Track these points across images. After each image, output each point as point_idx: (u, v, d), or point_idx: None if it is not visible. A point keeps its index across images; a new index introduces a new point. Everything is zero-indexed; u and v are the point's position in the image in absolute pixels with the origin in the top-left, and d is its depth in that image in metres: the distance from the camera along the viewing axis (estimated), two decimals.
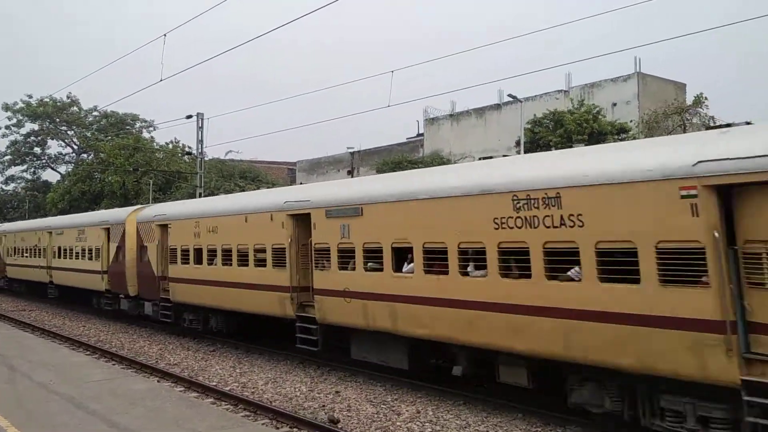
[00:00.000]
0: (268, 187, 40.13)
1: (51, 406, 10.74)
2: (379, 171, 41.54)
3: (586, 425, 10.03)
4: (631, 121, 38.25)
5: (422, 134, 58.80)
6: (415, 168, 26.64)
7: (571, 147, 24.42)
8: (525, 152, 33.82)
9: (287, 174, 71.78)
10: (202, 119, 36.91)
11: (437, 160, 45.93)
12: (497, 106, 50.66)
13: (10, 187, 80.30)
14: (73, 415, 10.08)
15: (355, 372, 14.39)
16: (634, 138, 32.50)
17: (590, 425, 9.97)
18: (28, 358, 15.37)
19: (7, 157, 75.44)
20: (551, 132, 36.41)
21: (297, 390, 13.29)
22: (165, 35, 23.72)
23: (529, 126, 38.11)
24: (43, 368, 14.12)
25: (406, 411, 11.43)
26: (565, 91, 45.94)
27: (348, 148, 59.91)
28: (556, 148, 29.45)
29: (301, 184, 42.96)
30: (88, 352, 18.33)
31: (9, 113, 71.14)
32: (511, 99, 40.61)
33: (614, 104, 42.78)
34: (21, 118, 72.27)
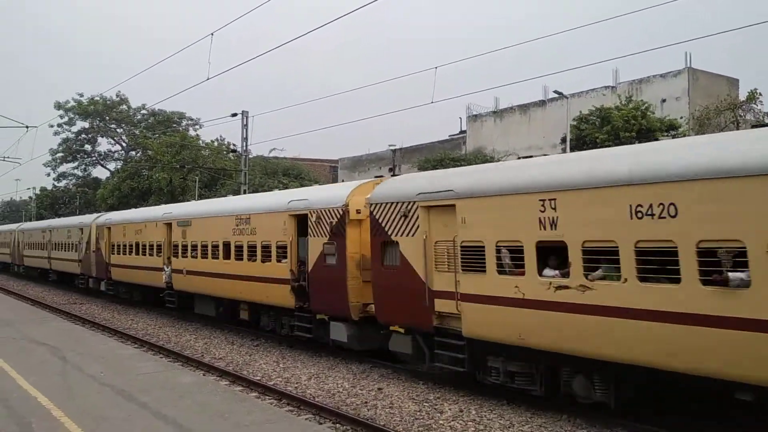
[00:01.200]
0: (310, 185, 40.48)
1: (101, 398, 11.01)
2: (421, 168, 41.47)
3: (631, 427, 9.84)
4: (681, 118, 37.33)
5: (465, 131, 58.47)
6: (457, 165, 26.22)
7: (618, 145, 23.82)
8: (570, 150, 33.32)
9: (329, 171, 72.27)
10: (247, 117, 37.43)
11: (480, 157, 45.63)
12: (542, 103, 50.04)
13: (62, 183, 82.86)
14: (122, 408, 10.32)
15: (398, 370, 14.38)
16: (684, 135, 31.78)
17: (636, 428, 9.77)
18: (79, 351, 15.80)
19: (59, 155, 77.84)
20: (598, 129, 35.78)
21: (339, 386, 13.35)
22: (212, 34, 24.13)
23: (575, 123, 37.53)
24: (94, 360, 14.50)
25: (449, 410, 11.37)
26: (612, 87, 45.08)
27: (390, 145, 59.95)
28: (603, 146, 28.94)
29: (343, 181, 43.05)
30: (136, 345, 18.74)
31: (61, 111, 73.41)
32: (556, 95, 40.07)
33: (663, 100, 41.77)
34: (72, 116, 74.47)
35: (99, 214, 35.46)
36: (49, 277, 42.29)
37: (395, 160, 60.20)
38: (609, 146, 24.78)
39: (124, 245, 27.97)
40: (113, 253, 29.23)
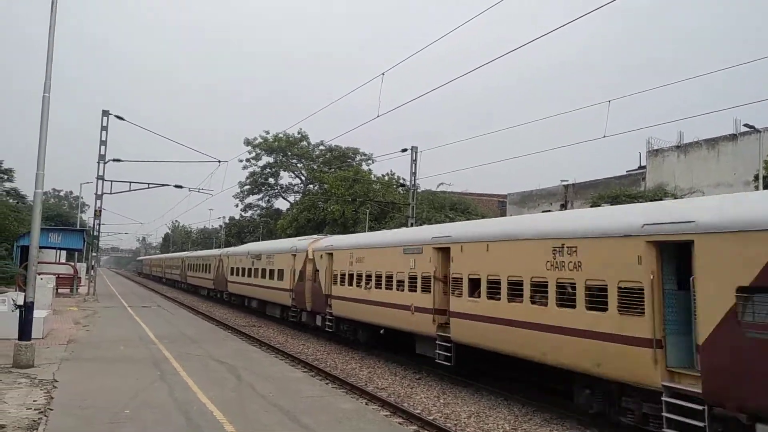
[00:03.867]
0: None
1: (269, 416, 11.55)
2: (594, 205, 39.72)
3: None
4: None
5: (644, 167, 55.38)
6: (633, 203, 24.48)
7: None
8: (764, 187, 30.27)
9: (497, 206, 71.58)
10: (416, 152, 38.28)
11: (660, 194, 42.82)
12: (732, 137, 46.13)
13: (248, 213, 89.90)
14: (286, 427, 10.74)
15: (563, 414, 13.65)
16: None
17: None
18: (253, 371, 16.78)
19: (247, 187, 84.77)
20: None
21: (500, 427, 12.92)
22: (383, 74, 25.06)
23: None
24: (265, 381, 15.30)
25: None
26: None
27: (562, 180, 58.22)
28: None
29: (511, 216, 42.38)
30: (305, 369, 19.49)
31: (249, 147, 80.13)
32: (748, 129, 36.78)
33: None
34: (259, 152, 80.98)
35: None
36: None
37: (567, 196, 58.31)
38: None
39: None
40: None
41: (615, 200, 39.67)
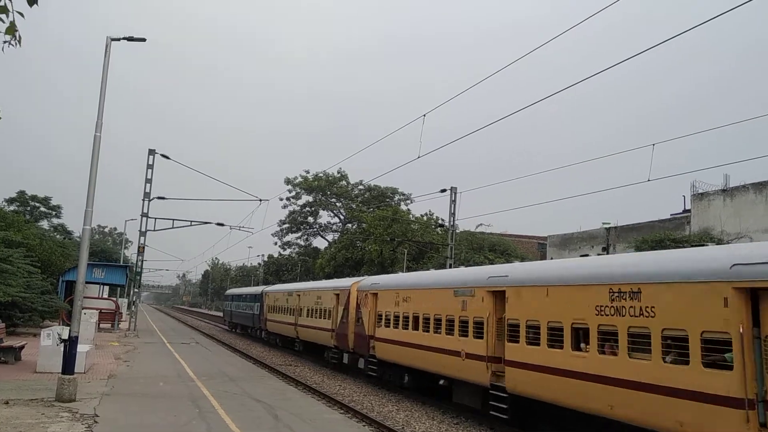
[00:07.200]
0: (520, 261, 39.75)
1: None
2: (638, 249, 38.96)
3: None
4: None
5: (689, 210, 54.30)
6: (679, 247, 24.03)
7: None
8: None
9: (537, 248, 70.77)
10: (455, 193, 38.26)
11: (706, 238, 41.83)
12: None
13: (287, 252, 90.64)
14: None
15: None
16: None
17: None
18: (290, 411, 16.67)
19: (286, 225, 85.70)
20: None
21: None
22: (424, 116, 25.33)
23: None
24: (302, 421, 15.17)
25: None
26: None
27: (603, 223, 57.34)
28: None
29: (552, 258, 41.86)
30: (341, 411, 19.28)
31: (289, 186, 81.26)
32: None
33: None
34: (299, 191, 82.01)
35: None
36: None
37: (609, 239, 57.34)
38: None
39: None
40: None
41: (659, 244, 38.91)
